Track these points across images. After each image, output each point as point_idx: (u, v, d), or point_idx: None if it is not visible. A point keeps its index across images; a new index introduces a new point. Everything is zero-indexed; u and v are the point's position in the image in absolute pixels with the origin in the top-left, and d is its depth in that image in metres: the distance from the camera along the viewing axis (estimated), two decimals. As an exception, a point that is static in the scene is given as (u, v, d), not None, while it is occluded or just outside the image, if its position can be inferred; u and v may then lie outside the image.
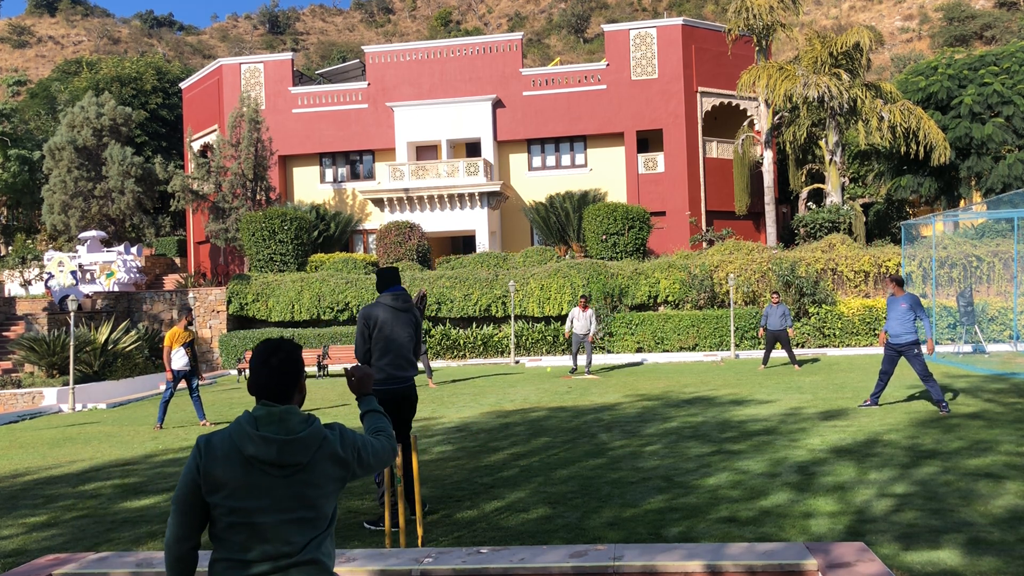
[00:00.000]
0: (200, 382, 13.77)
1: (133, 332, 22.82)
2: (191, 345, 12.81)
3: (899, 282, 10.49)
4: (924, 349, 10.28)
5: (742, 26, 29.52)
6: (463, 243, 34.43)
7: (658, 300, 24.24)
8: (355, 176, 35.31)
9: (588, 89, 32.61)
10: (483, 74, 33.19)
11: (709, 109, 33.13)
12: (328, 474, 2.51)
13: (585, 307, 17.10)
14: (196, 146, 36.19)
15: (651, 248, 28.77)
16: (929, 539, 5.11)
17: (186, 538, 2.50)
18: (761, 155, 31.08)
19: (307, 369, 22.92)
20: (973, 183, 29.99)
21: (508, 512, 6.27)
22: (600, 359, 21.59)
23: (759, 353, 21.08)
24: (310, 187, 35.20)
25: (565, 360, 21.57)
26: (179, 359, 12.61)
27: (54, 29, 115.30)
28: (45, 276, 30.01)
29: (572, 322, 17.15)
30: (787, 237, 32.97)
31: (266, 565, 2.42)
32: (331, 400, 15.37)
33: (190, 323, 13.01)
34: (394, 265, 6.54)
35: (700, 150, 32.57)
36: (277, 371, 2.53)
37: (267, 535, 2.42)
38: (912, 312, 10.14)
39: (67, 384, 18.16)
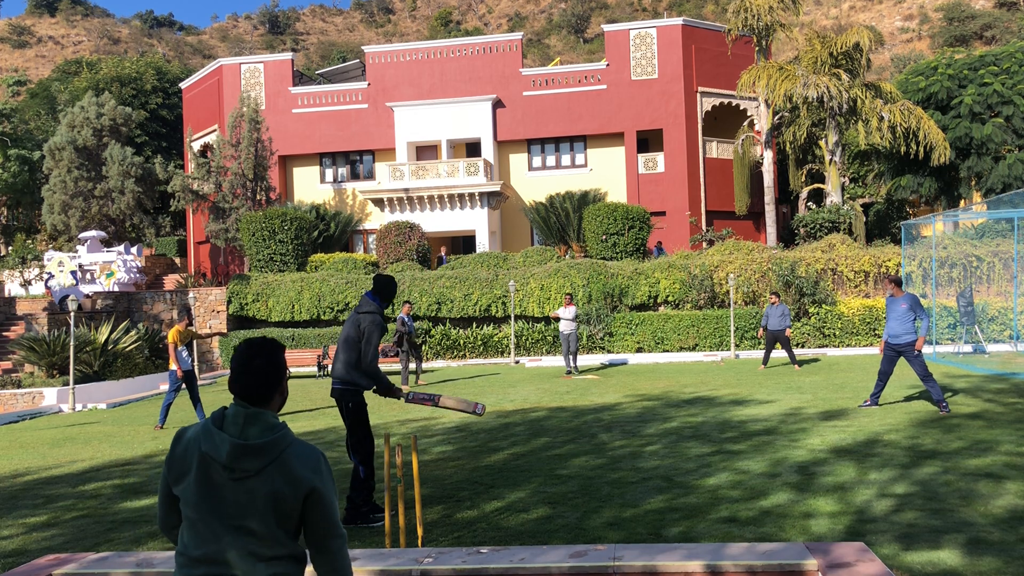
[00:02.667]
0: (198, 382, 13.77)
1: (133, 332, 22.81)
2: (189, 345, 12.82)
3: (898, 282, 10.49)
4: (915, 345, 10.23)
5: (742, 26, 29.52)
6: (463, 243, 34.43)
7: (658, 300, 24.23)
8: (355, 176, 35.32)
9: (588, 89, 32.61)
10: (483, 74, 33.20)
11: (709, 109, 33.13)
12: (279, 491, 2.36)
13: (569, 303, 17.75)
14: (196, 146, 36.19)
15: (651, 248, 28.76)
16: (929, 539, 5.11)
17: (170, 524, 2.58)
18: (761, 155, 31.08)
19: (307, 369, 22.96)
20: (973, 183, 29.99)
21: (508, 512, 6.26)
22: (589, 359, 21.75)
23: (759, 353, 21.08)
24: (310, 187, 35.21)
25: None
26: (186, 358, 12.62)
27: (54, 29, 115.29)
28: (45, 276, 30.00)
29: (560, 321, 18.01)
30: (787, 237, 32.97)
31: (207, 568, 2.40)
32: (331, 400, 15.34)
33: (190, 323, 13.01)
34: (384, 273, 6.55)
35: (700, 150, 32.58)
36: (259, 374, 2.46)
37: (209, 537, 2.39)
38: (912, 312, 10.14)
39: (67, 384, 18.15)
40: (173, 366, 12.54)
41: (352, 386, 6.23)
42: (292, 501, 2.39)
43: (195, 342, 18.87)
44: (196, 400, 12.81)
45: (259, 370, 2.47)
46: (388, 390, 6.17)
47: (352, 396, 6.24)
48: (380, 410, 13.02)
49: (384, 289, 6.30)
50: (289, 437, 2.44)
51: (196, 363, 13.31)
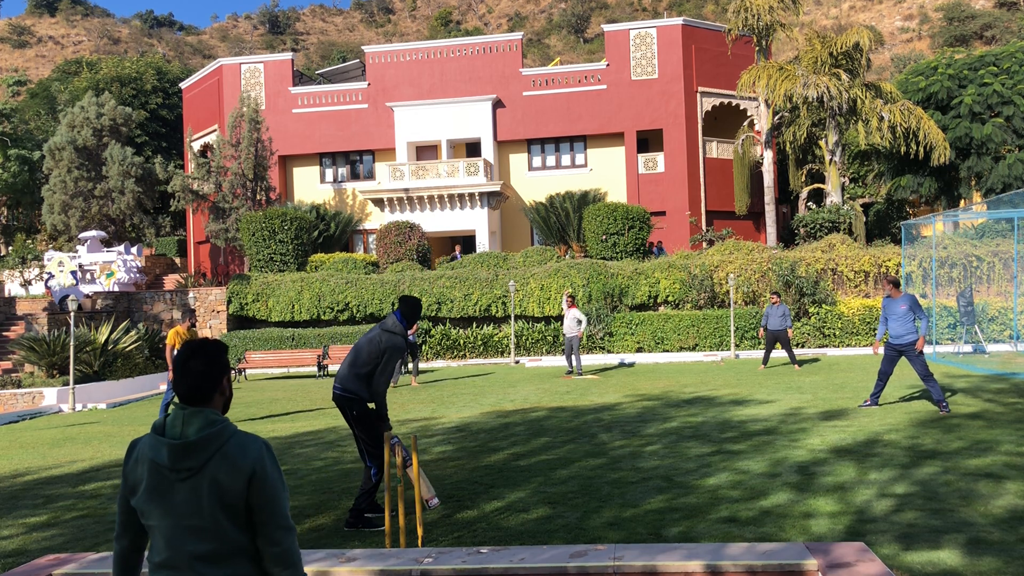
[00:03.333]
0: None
1: (133, 332, 22.81)
2: None
3: (896, 283, 10.51)
4: (915, 346, 10.24)
5: (742, 26, 29.52)
6: (463, 243, 34.44)
7: (658, 300, 24.24)
8: (355, 176, 35.32)
9: (588, 89, 32.61)
10: (483, 74, 33.20)
11: (709, 109, 33.12)
12: (223, 482, 2.40)
13: (571, 305, 17.75)
14: (196, 146, 36.19)
15: (651, 248, 28.75)
16: (929, 539, 5.11)
17: (121, 536, 2.58)
18: (761, 155, 31.08)
19: (307, 369, 22.97)
20: (973, 183, 29.99)
21: (508, 512, 6.27)
22: (598, 359, 21.73)
23: (759, 353, 21.08)
24: (310, 187, 35.21)
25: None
26: None
27: (54, 29, 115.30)
28: (45, 276, 30.00)
29: (564, 322, 17.84)
30: (787, 237, 32.97)
31: (167, 573, 2.45)
32: (331, 400, 15.34)
33: (193, 324, 12.98)
34: (412, 296, 6.76)
35: (700, 150, 32.57)
36: (195, 373, 2.51)
37: (165, 543, 2.44)
38: (912, 312, 10.16)
39: (67, 384, 18.15)
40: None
41: (355, 395, 6.33)
42: (236, 489, 2.41)
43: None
44: None
45: (197, 371, 2.52)
46: (381, 418, 6.31)
47: (357, 404, 6.34)
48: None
49: (411, 312, 6.48)
50: (230, 429, 2.48)
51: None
